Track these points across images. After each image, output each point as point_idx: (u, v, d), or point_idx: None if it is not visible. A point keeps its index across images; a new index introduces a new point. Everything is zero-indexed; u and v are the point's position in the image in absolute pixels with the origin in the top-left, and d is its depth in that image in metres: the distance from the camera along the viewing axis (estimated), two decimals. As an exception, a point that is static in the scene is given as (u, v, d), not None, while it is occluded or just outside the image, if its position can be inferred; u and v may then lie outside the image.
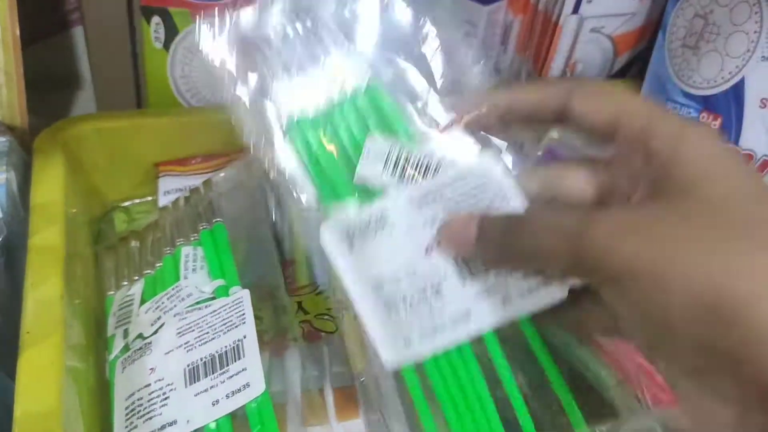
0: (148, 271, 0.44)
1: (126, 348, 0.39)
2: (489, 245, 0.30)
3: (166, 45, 0.53)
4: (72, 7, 0.68)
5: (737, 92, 0.56)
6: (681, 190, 0.26)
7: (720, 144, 0.27)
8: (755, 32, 0.55)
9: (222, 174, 0.48)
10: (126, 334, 0.40)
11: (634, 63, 0.71)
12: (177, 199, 0.48)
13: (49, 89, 0.68)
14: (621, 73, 0.71)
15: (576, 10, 0.64)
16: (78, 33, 0.69)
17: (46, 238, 0.39)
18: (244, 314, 0.38)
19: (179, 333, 0.38)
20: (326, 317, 0.41)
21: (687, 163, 0.26)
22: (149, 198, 0.53)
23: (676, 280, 0.23)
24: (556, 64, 0.68)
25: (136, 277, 0.44)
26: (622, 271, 0.24)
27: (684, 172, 0.26)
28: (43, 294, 0.36)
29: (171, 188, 0.51)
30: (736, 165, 0.26)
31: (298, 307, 0.41)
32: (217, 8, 0.52)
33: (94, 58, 0.61)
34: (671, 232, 0.24)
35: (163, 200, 0.50)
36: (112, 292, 0.44)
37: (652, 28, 0.69)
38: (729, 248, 0.23)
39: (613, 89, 0.31)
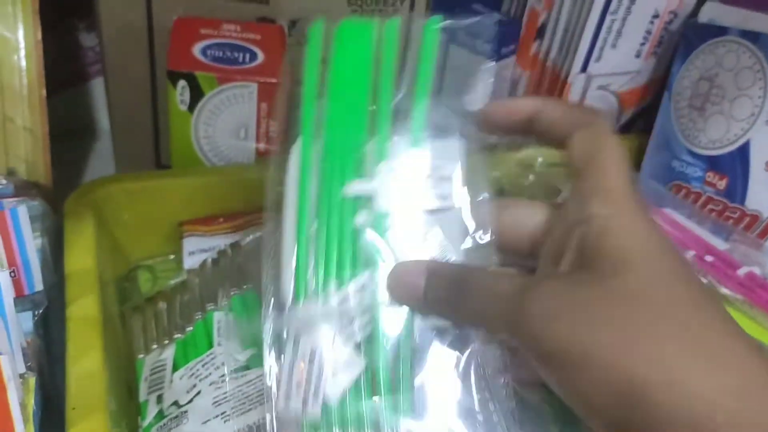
0: (178, 335, 0.45)
1: (161, 415, 0.40)
2: (436, 302, 0.30)
3: (191, 107, 0.54)
4: (91, 60, 0.69)
5: (743, 154, 0.58)
6: (611, 266, 0.27)
7: (648, 219, 0.28)
8: (759, 97, 0.57)
9: (249, 238, 0.49)
10: (160, 400, 0.41)
11: (639, 117, 0.73)
12: (204, 261, 0.49)
13: (67, 140, 0.69)
14: (626, 127, 0.73)
15: (584, 68, 0.66)
16: (97, 85, 0.71)
17: (84, 308, 0.40)
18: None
19: (215, 403, 0.39)
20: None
21: (618, 237, 0.27)
22: (171, 256, 0.54)
23: (599, 366, 0.25)
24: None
25: (166, 341, 0.45)
26: (552, 351, 0.26)
27: (614, 246, 0.27)
28: (85, 368, 0.37)
29: (195, 249, 0.52)
30: (663, 243, 0.27)
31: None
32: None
33: (114, 114, 0.63)
34: (598, 317, 0.25)
35: (188, 261, 0.51)
36: (142, 356, 0.45)
37: (657, 84, 0.71)
38: (647, 335, 0.25)
39: (576, 109, 0.33)
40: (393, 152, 0.32)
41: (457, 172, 0.32)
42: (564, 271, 0.29)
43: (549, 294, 0.27)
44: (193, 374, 0.41)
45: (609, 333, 0.25)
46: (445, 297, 0.30)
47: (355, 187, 0.32)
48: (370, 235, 0.31)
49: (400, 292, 0.31)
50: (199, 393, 0.40)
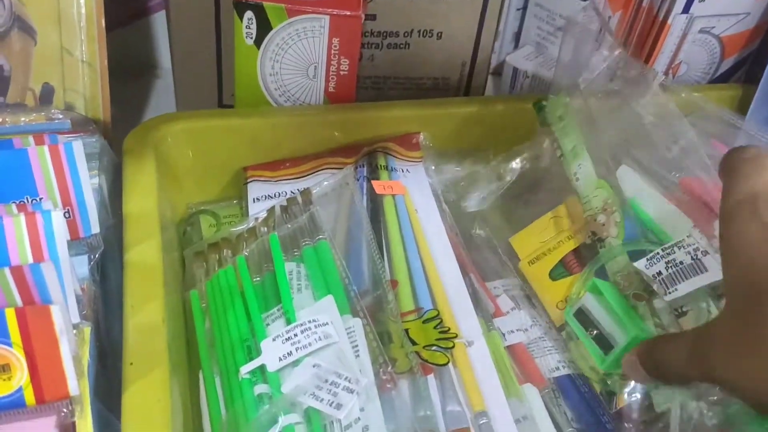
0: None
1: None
2: (652, 377, 0.34)
3: (258, 41, 0.50)
4: (151, -7, 0.66)
5: None
6: None
7: None
8: None
9: (319, 186, 0.45)
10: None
11: (741, 66, 0.67)
12: (272, 208, 0.45)
13: (126, 77, 0.66)
14: (725, 76, 0.67)
15: (687, 8, 0.60)
16: (157, 20, 0.67)
17: (144, 254, 0.37)
18: (357, 346, 0.35)
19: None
20: (436, 348, 0.38)
21: None
22: (234, 201, 0.51)
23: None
24: (659, 64, 0.64)
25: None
26: (737, 385, 0.28)
27: None
28: (145, 320, 0.34)
29: (260, 195, 0.48)
30: None
31: (405, 336, 0.38)
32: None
33: (176, 50, 0.59)
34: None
35: (253, 207, 0.48)
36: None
37: (764, 29, 0.64)
38: None
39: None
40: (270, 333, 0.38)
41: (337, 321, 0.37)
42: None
43: (721, 339, 0.29)
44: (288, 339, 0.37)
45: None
46: (652, 373, 0.34)
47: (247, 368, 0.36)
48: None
49: (630, 375, 0.37)
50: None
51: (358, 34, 0.51)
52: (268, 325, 0.38)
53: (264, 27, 0.50)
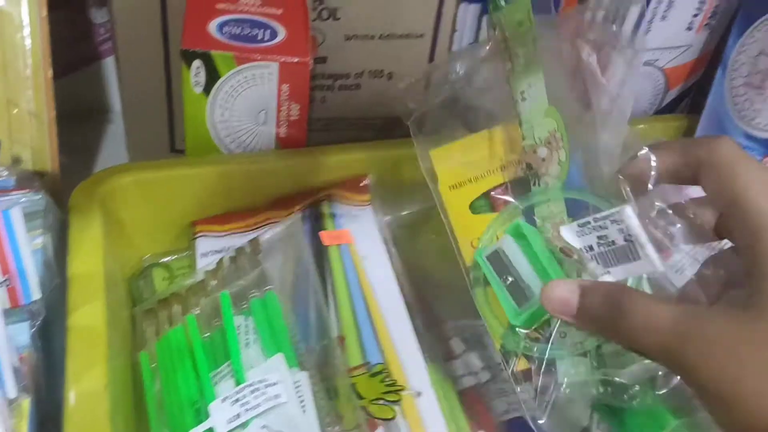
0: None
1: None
2: (588, 321, 0.31)
3: (207, 89, 0.50)
4: (102, 37, 0.65)
5: (807, 138, 0.53)
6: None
7: None
8: (827, 75, 0.52)
9: (267, 235, 0.45)
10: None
11: (685, 96, 0.68)
12: (221, 260, 0.45)
13: (78, 122, 0.65)
14: (671, 107, 0.68)
15: (630, 43, 0.61)
16: (109, 64, 0.67)
17: (88, 317, 0.37)
18: (303, 401, 0.36)
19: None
20: (382, 402, 0.38)
21: None
22: (187, 253, 0.51)
23: (747, 410, 0.25)
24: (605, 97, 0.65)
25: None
26: (705, 389, 0.27)
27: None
28: (86, 387, 0.34)
29: (209, 250, 0.48)
30: None
31: (352, 391, 0.38)
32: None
33: (126, 95, 0.59)
34: (753, 359, 0.26)
35: (201, 262, 0.48)
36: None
37: (706, 61, 0.66)
38: None
39: (738, 169, 0.30)
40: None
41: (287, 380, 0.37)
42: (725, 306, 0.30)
43: (704, 330, 0.27)
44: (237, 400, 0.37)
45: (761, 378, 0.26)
46: (599, 315, 0.31)
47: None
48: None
49: (553, 306, 0.32)
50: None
51: (307, 80, 0.51)
52: (216, 384, 0.38)
53: (213, 75, 0.50)
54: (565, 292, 0.32)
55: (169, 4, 0.53)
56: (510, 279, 0.36)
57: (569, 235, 0.34)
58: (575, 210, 0.37)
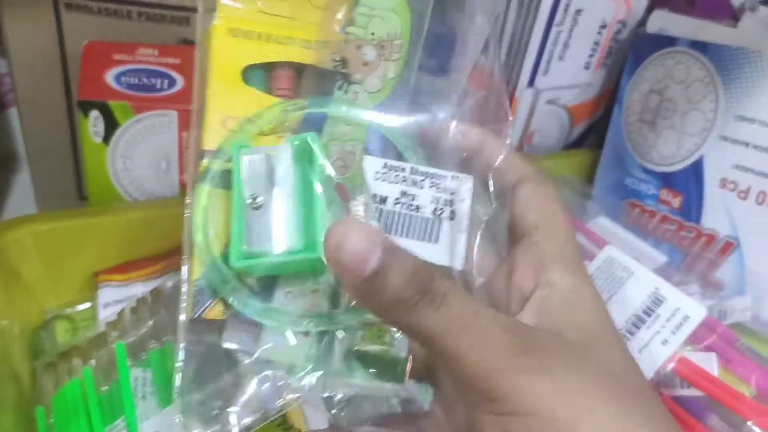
0: (93, 396, 0.41)
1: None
2: (386, 296, 0.24)
3: (106, 138, 0.50)
4: (7, 87, 0.65)
5: (697, 170, 0.56)
6: (583, 340, 0.27)
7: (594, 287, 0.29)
8: (711, 111, 0.54)
9: (170, 283, 0.45)
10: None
11: (591, 131, 0.71)
12: (122, 311, 0.45)
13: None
14: (579, 141, 0.70)
15: (531, 82, 0.63)
16: (14, 114, 0.66)
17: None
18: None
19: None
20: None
21: (585, 313, 0.29)
22: (90, 304, 0.50)
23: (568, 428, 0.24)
24: (513, 135, 0.67)
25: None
26: (531, 410, 0.24)
27: (583, 321, 0.28)
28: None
29: (111, 300, 0.48)
30: (608, 313, 0.29)
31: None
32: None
33: (30, 144, 0.58)
34: (578, 386, 0.25)
35: (104, 313, 0.47)
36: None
37: (608, 97, 0.68)
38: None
39: (518, 157, 0.31)
40: None
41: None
42: (532, 326, 0.28)
43: (535, 353, 0.25)
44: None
45: (583, 399, 0.25)
46: (404, 300, 0.24)
47: None
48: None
49: (340, 255, 0.24)
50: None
51: (209, 127, 0.51)
52: (111, 439, 0.38)
53: (111, 124, 0.50)
54: (363, 242, 0.24)
55: (69, 54, 0.53)
56: (259, 201, 0.27)
57: (370, 168, 0.28)
58: (375, 151, 0.30)
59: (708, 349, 0.43)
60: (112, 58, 0.50)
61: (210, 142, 0.29)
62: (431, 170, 0.28)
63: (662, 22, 0.59)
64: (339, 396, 0.30)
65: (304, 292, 0.28)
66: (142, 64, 0.51)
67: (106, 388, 0.41)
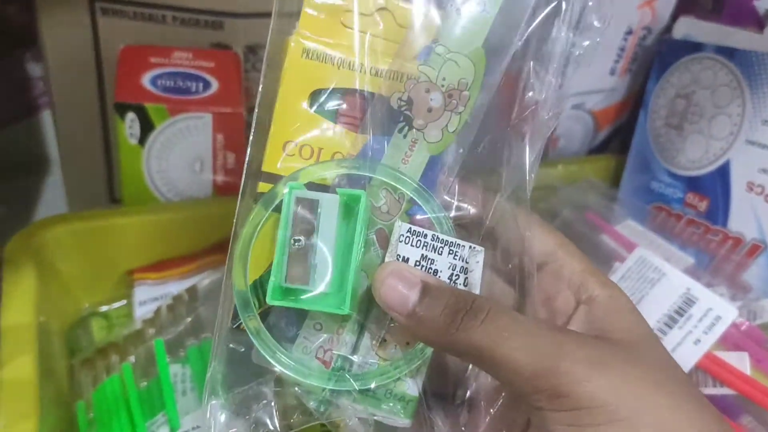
0: (132, 392, 0.41)
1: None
2: (431, 320, 0.28)
3: (142, 140, 0.51)
4: (40, 91, 0.66)
5: (723, 174, 0.56)
6: (628, 341, 0.29)
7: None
8: (738, 115, 0.55)
9: (206, 281, 0.46)
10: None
11: (615, 136, 0.71)
12: (159, 309, 0.46)
13: (17, 174, 0.65)
14: (603, 146, 0.71)
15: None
16: (47, 117, 0.67)
17: (18, 371, 0.37)
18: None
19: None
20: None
21: (626, 316, 0.30)
22: (126, 301, 0.51)
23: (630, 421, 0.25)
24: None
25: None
26: (588, 403, 0.26)
27: (627, 324, 0.30)
28: (17, 439, 0.34)
29: (147, 298, 0.49)
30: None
31: (289, 432, 0.38)
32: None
33: (63, 146, 0.59)
34: (635, 380, 0.26)
35: (140, 311, 0.48)
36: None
37: (633, 102, 0.69)
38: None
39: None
40: None
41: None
42: (581, 334, 0.30)
43: (587, 351, 0.27)
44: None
45: (647, 393, 0.26)
46: (449, 320, 0.27)
47: None
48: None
49: (386, 295, 0.28)
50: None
51: (242, 130, 0.52)
52: (152, 433, 0.38)
53: (147, 127, 0.51)
54: (404, 282, 0.28)
55: (104, 57, 0.54)
56: (301, 244, 0.29)
57: (396, 231, 0.29)
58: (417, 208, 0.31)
59: (739, 349, 0.43)
60: (149, 61, 0.51)
61: (269, 164, 0.31)
62: (451, 239, 0.30)
63: (688, 28, 0.60)
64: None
65: (331, 328, 0.31)
66: (178, 67, 0.52)
67: (145, 383, 0.42)
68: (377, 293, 0.28)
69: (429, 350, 0.31)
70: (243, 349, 0.31)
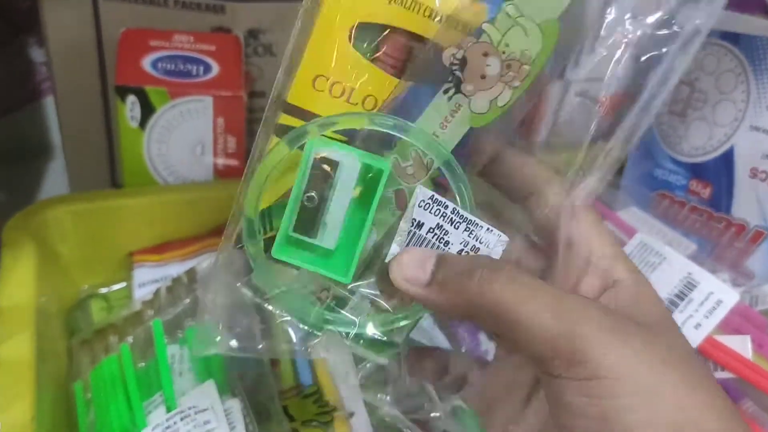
0: (130, 372, 0.41)
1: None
2: (448, 283, 0.28)
3: (142, 123, 0.51)
4: (42, 77, 0.66)
5: (727, 161, 0.55)
6: (656, 326, 0.29)
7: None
8: (742, 101, 0.54)
9: (204, 264, 0.46)
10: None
11: (619, 125, 0.70)
12: (158, 290, 0.46)
13: (19, 161, 0.65)
14: (606, 135, 0.70)
15: (561, 74, 0.63)
16: (49, 103, 0.67)
17: (15, 350, 0.37)
18: (235, 427, 0.36)
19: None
20: (315, 424, 0.38)
21: (652, 303, 0.30)
22: (126, 283, 0.51)
23: (647, 399, 0.25)
24: (542, 128, 0.67)
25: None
26: (606, 373, 0.25)
27: (652, 310, 0.30)
28: (12, 420, 0.33)
29: (146, 280, 0.49)
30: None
31: (284, 413, 0.38)
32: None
33: (65, 132, 0.59)
34: (655, 359, 0.26)
35: (139, 292, 0.48)
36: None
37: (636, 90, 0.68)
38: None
39: (534, 163, 0.34)
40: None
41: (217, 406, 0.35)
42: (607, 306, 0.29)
43: (610, 321, 0.26)
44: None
45: (666, 373, 0.26)
46: (466, 280, 0.27)
47: None
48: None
49: (403, 271, 0.29)
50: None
51: (242, 113, 0.52)
52: (150, 413, 0.38)
53: (147, 110, 0.51)
54: (419, 257, 0.29)
55: (105, 41, 0.54)
56: (315, 201, 0.28)
57: (419, 195, 0.28)
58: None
59: (740, 333, 0.43)
60: (149, 44, 0.51)
61: (296, 97, 0.29)
62: (471, 217, 0.29)
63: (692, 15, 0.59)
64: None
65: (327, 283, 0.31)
66: (178, 50, 0.51)
67: (143, 364, 0.41)
68: (394, 274, 0.29)
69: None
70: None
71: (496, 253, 0.29)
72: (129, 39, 0.51)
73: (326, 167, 0.28)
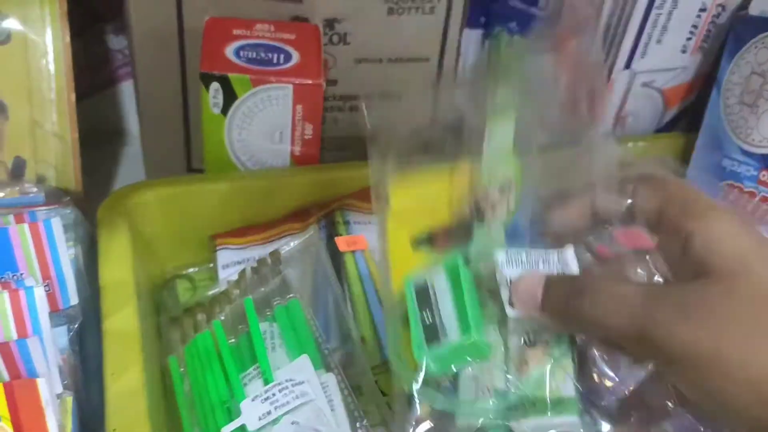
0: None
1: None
2: (554, 308, 0.31)
3: (224, 110, 0.52)
4: (120, 63, 0.68)
5: (799, 152, 0.56)
6: (729, 269, 0.28)
7: (750, 223, 0.32)
8: (816, 92, 0.54)
9: (287, 247, 0.47)
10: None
11: (684, 115, 0.71)
12: (244, 270, 0.47)
13: (95, 145, 0.67)
14: (671, 125, 0.71)
15: (628, 64, 0.63)
16: (126, 88, 0.69)
17: (122, 322, 0.39)
18: (332, 400, 0.37)
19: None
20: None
21: (730, 243, 0.29)
22: (210, 264, 0.52)
23: (732, 363, 0.26)
24: (607, 117, 0.68)
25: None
26: (682, 354, 0.27)
27: (729, 251, 0.29)
28: (125, 385, 0.35)
29: (229, 262, 0.50)
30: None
31: (376, 388, 0.40)
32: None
33: (144, 117, 0.61)
34: (725, 316, 0.27)
35: (223, 274, 0.50)
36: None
37: (702, 81, 0.68)
38: None
39: (663, 179, 0.35)
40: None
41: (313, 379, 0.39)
42: (681, 280, 0.30)
43: (673, 299, 0.28)
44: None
45: (738, 331, 0.26)
46: (564, 304, 0.31)
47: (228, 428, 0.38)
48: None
49: (520, 297, 0.32)
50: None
51: (320, 101, 0.53)
52: (245, 385, 0.40)
53: (230, 97, 0.52)
54: (531, 283, 0.32)
55: (186, 30, 0.56)
56: (430, 317, 0.34)
57: (498, 258, 0.34)
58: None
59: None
60: (232, 33, 0.53)
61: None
62: (540, 252, 0.34)
63: (766, 4, 0.59)
64: None
65: (482, 371, 0.34)
66: (260, 39, 0.53)
67: (234, 340, 0.43)
68: (513, 298, 0.32)
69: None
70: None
71: (574, 266, 0.33)
72: (213, 27, 0.53)
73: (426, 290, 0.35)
